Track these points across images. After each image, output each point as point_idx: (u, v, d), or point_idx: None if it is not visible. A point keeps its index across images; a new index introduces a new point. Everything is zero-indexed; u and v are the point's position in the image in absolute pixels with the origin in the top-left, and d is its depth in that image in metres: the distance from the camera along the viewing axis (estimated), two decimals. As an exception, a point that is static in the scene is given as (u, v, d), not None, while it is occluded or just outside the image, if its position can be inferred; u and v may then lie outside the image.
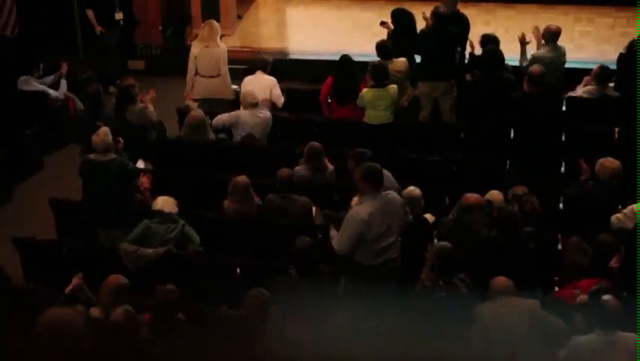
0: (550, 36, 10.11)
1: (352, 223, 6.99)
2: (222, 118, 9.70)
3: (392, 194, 7.20)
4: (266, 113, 9.73)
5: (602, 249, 7.05)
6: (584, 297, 6.42)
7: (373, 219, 6.97)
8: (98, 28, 12.40)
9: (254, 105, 9.65)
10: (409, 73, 10.13)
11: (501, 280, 6.39)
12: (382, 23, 10.69)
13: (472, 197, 7.28)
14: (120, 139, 8.31)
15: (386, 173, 7.54)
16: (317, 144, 8.61)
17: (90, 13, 12.40)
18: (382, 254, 7.09)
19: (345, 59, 10.02)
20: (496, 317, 6.24)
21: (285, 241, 7.04)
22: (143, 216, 7.80)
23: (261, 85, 10.23)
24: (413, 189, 7.58)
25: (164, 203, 7.73)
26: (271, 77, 10.47)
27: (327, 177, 8.53)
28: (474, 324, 6.31)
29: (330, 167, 8.62)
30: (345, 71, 9.96)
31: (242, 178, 7.91)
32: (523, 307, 6.27)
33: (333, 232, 7.23)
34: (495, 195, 7.59)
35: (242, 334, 6.22)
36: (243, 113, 9.65)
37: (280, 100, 10.35)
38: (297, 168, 8.52)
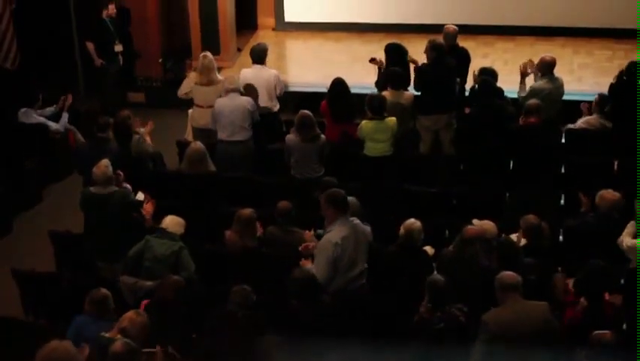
0: (546, 67, 10.12)
1: (325, 249, 7.02)
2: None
3: (357, 221, 7.24)
4: (242, 98, 9.71)
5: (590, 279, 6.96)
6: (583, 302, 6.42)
7: (346, 243, 7.01)
8: (98, 61, 12.42)
9: (233, 90, 9.70)
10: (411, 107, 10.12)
11: (509, 276, 6.37)
12: (372, 60, 10.71)
13: (472, 229, 7.26)
14: (120, 172, 8.30)
15: (352, 200, 7.56)
16: (308, 112, 8.57)
17: (90, 45, 12.42)
18: (353, 283, 7.14)
19: (336, 81, 10.02)
20: (505, 325, 6.23)
21: (285, 274, 7.02)
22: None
23: (263, 80, 10.24)
24: (413, 222, 7.51)
25: (171, 222, 7.76)
26: (272, 71, 10.46)
27: (319, 146, 8.45)
28: (480, 333, 6.29)
29: (323, 137, 8.58)
30: (335, 92, 9.96)
31: (246, 211, 7.86)
32: (534, 313, 6.28)
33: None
34: (487, 225, 7.57)
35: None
36: (218, 102, 9.71)
37: (282, 91, 10.53)
38: (288, 135, 8.54)
